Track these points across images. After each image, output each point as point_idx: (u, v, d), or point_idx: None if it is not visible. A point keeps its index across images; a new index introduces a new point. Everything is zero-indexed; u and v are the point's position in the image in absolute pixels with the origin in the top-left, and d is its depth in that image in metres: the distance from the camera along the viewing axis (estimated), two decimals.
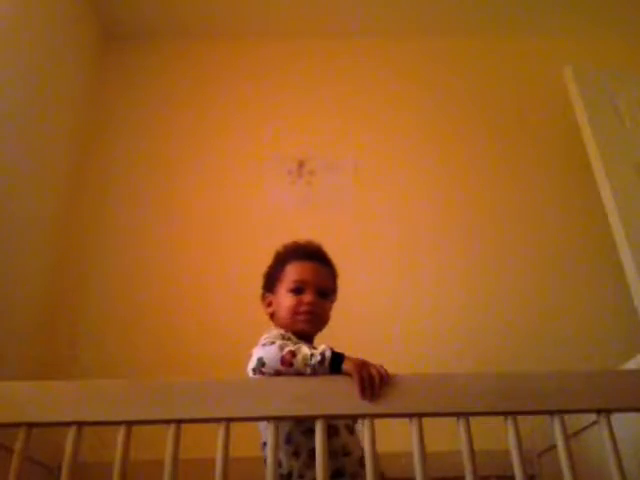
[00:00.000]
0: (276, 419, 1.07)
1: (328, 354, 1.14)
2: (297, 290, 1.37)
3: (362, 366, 1.11)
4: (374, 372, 1.09)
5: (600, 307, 2.17)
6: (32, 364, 1.92)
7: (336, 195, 2.38)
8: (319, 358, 1.13)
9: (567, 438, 1.07)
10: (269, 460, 1.05)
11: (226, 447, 1.05)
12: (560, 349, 2.05)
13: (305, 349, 1.17)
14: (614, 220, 2.03)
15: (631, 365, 1.47)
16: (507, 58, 2.72)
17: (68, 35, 2.35)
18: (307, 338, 1.36)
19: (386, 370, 1.12)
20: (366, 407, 1.08)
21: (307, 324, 1.35)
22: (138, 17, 2.62)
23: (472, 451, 1.06)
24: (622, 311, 2.06)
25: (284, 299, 1.37)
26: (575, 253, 2.29)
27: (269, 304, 1.43)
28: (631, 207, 2.03)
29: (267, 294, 1.45)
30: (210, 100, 2.56)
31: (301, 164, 2.42)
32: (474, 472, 1.04)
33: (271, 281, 1.44)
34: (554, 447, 1.11)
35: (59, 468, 1.05)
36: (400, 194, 2.41)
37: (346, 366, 1.12)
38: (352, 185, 2.40)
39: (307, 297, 1.35)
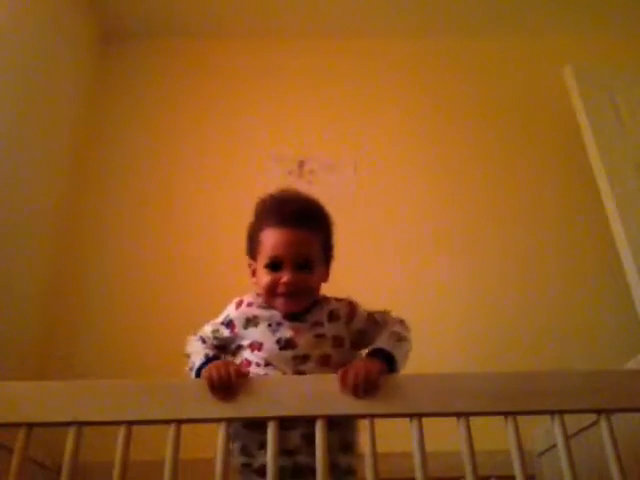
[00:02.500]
0: (276, 419, 1.07)
1: (200, 359, 1.18)
2: (273, 266, 1.25)
3: (209, 370, 1.11)
4: (216, 374, 1.08)
5: (600, 307, 2.17)
6: (32, 364, 1.92)
7: (336, 195, 2.37)
8: (189, 367, 1.21)
9: (567, 438, 1.07)
10: (269, 460, 1.04)
11: (226, 447, 1.05)
12: (560, 349, 2.05)
13: (194, 353, 1.23)
14: (614, 220, 2.03)
15: (631, 365, 1.47)
16: (507, 58, 2.72)
17: (68, 34, 2.35)
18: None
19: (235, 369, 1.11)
20: (366, 407, 1.08)
21: (286, 305, 1.25)
22: (138, 16, 2.62)
23: (472, 451, 1.06)
24: (622, 311, 2.06)
25: (261, 275, 1.27)
26: (575, 253, 2.29)
27: (253, 272, 1.34)
28: (631, 207, 2.03)
29: (250, 261, 1.35)
30: (210, 100, 2.56)
31: (301, 164, 2.42)
32: (474, 472, 1.04)
33: (250, 248, 1.35)
34: (554, 447, 1.11)
35: (59, 468, 1.05)
36: (400, 194, 2.41)
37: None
38: (352, 185, 2.40)
39: (284, 276, 1.23)
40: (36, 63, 2.06)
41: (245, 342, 1.26)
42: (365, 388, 1.08)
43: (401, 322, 1.30)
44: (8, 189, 1.83)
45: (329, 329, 1.26)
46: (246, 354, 1.25)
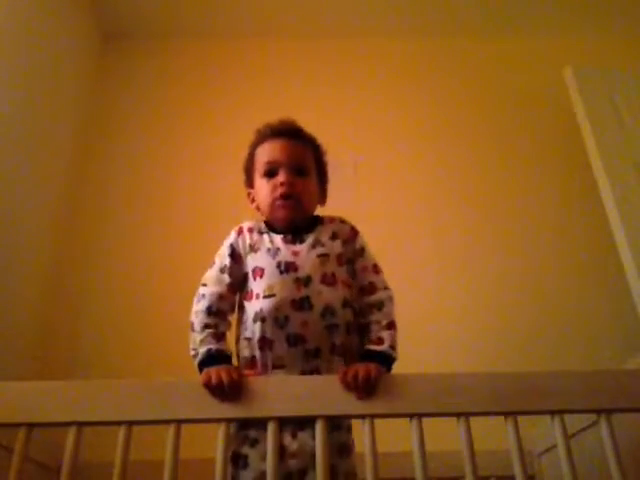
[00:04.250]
0: (276, 419, 1.07)
1: (202, 353, 1.16)
2: (270, 173, 1.26)
3: (208, 375, 1.09)
4: (215, 380, 1.07)
5: (600, 307, 2.17)
6: (32, 364, 1.92)
7: (336, 195, 2.36)
8: (193, 353, 1.18)
9: (567, 438, 1.07)
10: (269, 460, 1.04)
11: (226, 447, 1.05)
12: (560, 349, 2.05)
13: (198, 334, 1.18)
14: (614, 220, 2.03)
15: (631, 365, 1.47)
16: (507, 58, 2.72)
17: (68, 35, 2.35)
18: (293, 228, 1.25)
19: (235, 374, 1.09)
20: (366, 407, 1.08)
21: (285, 210, 1.24)
22: (138, 17, 2.62)
23: (472, 451, 1.06)
24: (622, 311, 2.07)
25: (260, 187, 1.28)
26: (575, 252, 2.29)
27: (253, 200, 1.35)
28: (631, 207, 2.03)
29: (249, 190, 1.36)
30: (210, 100, 2.56)
31: None
32: (474, 472, 1.04)
33: (248, 174, 1.35)
34: (554, 447, 1.11)
35: (59, 468, 1.05)
36: (400, 194, 2.41)
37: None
38: (352, 185, 2.40)
39: (281, 177, 1.24)
40: (37, 63, 2.06)
41: (249, 269, 1.24)
42: (365, 390, 1.08)
43: (389, 296, 1.28)
44: (8, 188, 1.83)
45: (332, 247, 1.25)
46: (250, 282, 1.23)
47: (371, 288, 1.27)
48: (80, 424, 1.06)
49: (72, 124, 2.37)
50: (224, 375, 1.08)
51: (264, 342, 1.18)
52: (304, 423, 1.14)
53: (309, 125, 2.51)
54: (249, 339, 1.21)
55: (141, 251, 2.24)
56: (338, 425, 1.18)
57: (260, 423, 1.11)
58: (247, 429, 1.16)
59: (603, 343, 2.07)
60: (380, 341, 1.20)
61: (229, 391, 1.08)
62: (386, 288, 1.29)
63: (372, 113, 2.57)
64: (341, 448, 1.17)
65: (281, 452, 1.08)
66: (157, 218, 2.31)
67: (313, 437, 1.08)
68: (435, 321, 2.12)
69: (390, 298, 1.28)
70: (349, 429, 1.21)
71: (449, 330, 2.11)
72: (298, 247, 1.23)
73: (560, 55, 2.58)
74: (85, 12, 2.49)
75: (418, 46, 2.73)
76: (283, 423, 1.10)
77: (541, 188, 2.44)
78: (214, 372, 1.10)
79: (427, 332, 2.08)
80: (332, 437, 1.11)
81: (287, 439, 1.13)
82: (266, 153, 1.29)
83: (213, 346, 1.18)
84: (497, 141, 2.54)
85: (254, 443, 1.14)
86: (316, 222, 1.30)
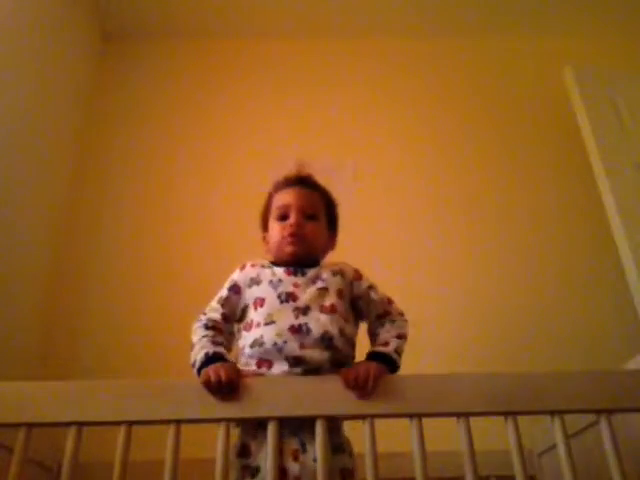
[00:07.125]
0: (276, 419, 1.07)
1: (200, 358, 1.18)
2: (282, 216, 1.36)
3: (206, 374, 1.11)
4: (214, 377, 1.09)
5: (600, 307, 2.17)
6: (32, 364, 1.92)
7: (336, 197, 2.36)
8: (192, 362, 1.20)
9: (567, 438, 1.07)
10: (269, 461, 1.04)
11: (226, 447, 1.05)
12: (560, 349, 2.05)
13: (196, 344, 1.22)
14: (614, 220, 2.03)
15: (631, 365, 1.47)
16: (507, 58, 2.72)
17: (68, 35, 2.35)
18: (301, 264, 1.31)
19: (230, 374, 1.10)
20: (366, 407, 1.08)
21: (292, 246, 1.32)
22: (138, 17, 2.62)
23: (472, 451, 1.06)
24: (622, 311, 2.07)
25: (272, 229, 1.38)
26: (575, 253, 2.29)
27: (267, 242, 1.43)
28: (631, 207, 2.03)
29: (264, 234, 1.44)
30: (209, 100, 2.56)
31: (299, 167, 2.41)
32: (474, 472, 1.04)
33: (264, 220, 1.44)
34: (554, 447, 1.11)
35: (59, 468, 1.05)
36: (400, 195, 2.40)
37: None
38: (352, 187, 2.39)
39: (291, 219, 1.34)
40: (37, 63, 2.06)
41: (250, 301, 1.29)
42: (366, 388, 1.09)
43: (404, 320, 1.32)
44: (8, 188, 1.83)
45: (332, 283, 1.29)
46: (251, 313, 1.27)
47: (386, 314, 1.32)
48: (80, 424, 1.06)
49: (71, 124, 2.37)
50: (222, 373, 1.09)
51: (261, 363, 1.19)
52: (305, 445, 1.13)
53: (308, 127, 2.52)
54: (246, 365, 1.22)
55: (141, 251, 2.23)
56: (342, 450, 1.17)
57: (260, 443, 1.12)
58: (247, 457, 1.15)
59: (603, 344, 2.07)
60: (386, 344, 1.23)
61: (227, 388, 1.08)
62: (401, 314, 1.34)
63: (372, 114, 2.57)
64: (344, 472, 1.15)
65: (283, 476, 1.08)
66: (157, 218, 2.30)
67: (315, 459, 1.08)
68: (436, 321, 2.11)
69: (405, 321, 1.32)
70: (351, 454, 1.20)
71: (450, 331, 2.11)
72: (299, 279, 1.28)
73: (560, 55, 2.58)
74: (85, 12, 2.49)
75: (418, 46, 2.73)
76: (283, 438, 1.09)
77: (541, 188, 2.43)
78: (212, 370, 1.11)
79: (428, 332, 2.08)
80: (334, 460, 1.12)
81: (289, 463, 1.12)
82: (280, 199, 1.39)
83: (210, 350, 1.19)
84: (497, 141, 2.54)
85: (255, 473, 1.12)
86: (318, 263, 1.36)
